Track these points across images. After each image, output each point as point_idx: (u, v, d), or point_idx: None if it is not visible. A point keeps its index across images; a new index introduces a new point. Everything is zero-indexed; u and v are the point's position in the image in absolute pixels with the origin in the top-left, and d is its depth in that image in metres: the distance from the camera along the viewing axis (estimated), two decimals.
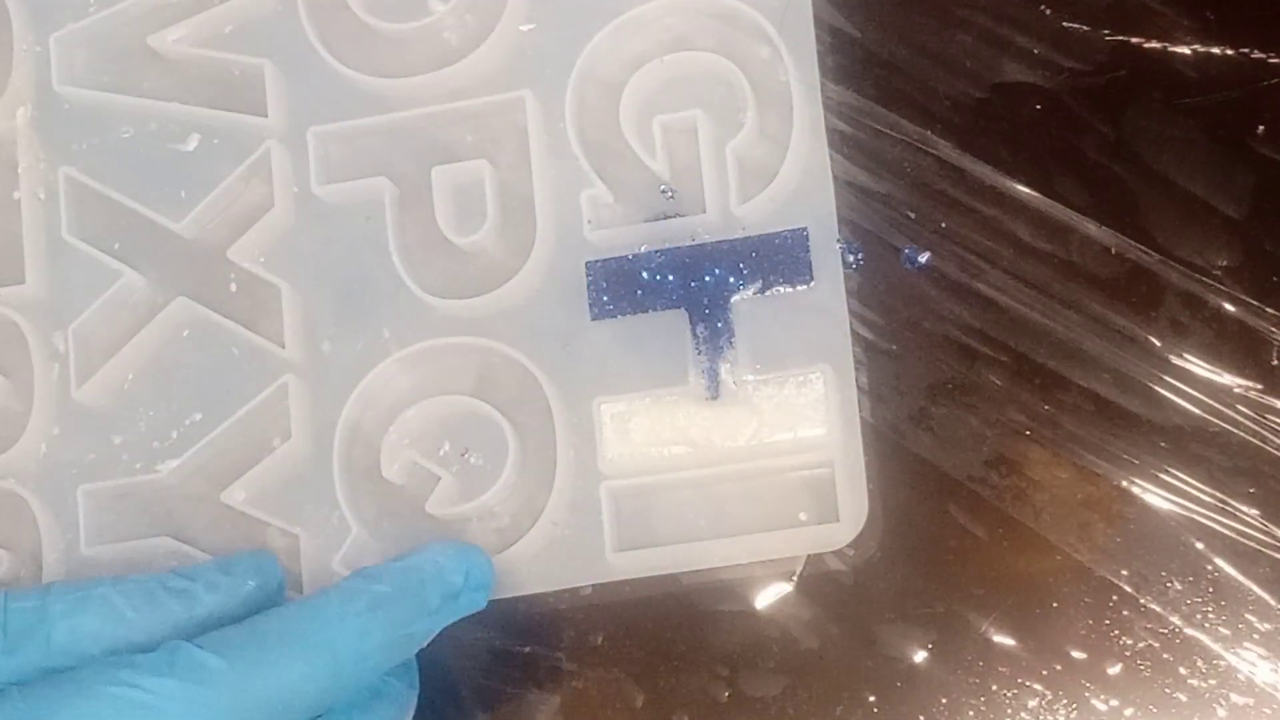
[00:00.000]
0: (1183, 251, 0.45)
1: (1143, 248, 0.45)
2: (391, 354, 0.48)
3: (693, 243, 0.47)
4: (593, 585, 0.46)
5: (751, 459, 0.46)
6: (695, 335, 0.46)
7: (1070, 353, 0.45)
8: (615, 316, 0.47)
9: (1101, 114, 0.46)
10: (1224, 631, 0.44)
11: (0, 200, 0.51)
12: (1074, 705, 0.44)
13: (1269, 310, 0.45)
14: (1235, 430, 0.44)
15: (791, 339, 0.46)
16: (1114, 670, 0.44)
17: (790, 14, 0.47)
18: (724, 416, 0.46)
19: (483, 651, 0.47)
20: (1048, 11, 0.47)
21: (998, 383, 0.46)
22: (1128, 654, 0.44)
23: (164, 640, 0.40)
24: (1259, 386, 0.44)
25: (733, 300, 0.46)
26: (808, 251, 0.46)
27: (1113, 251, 0.46)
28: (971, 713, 0.45)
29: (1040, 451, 0.45)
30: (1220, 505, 0.44)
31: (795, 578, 0.46)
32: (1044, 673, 0.44)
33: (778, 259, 0.46)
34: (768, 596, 0.46)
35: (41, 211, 0.50)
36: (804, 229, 0.46)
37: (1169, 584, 0.44)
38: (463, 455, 0.47)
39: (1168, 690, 0.44)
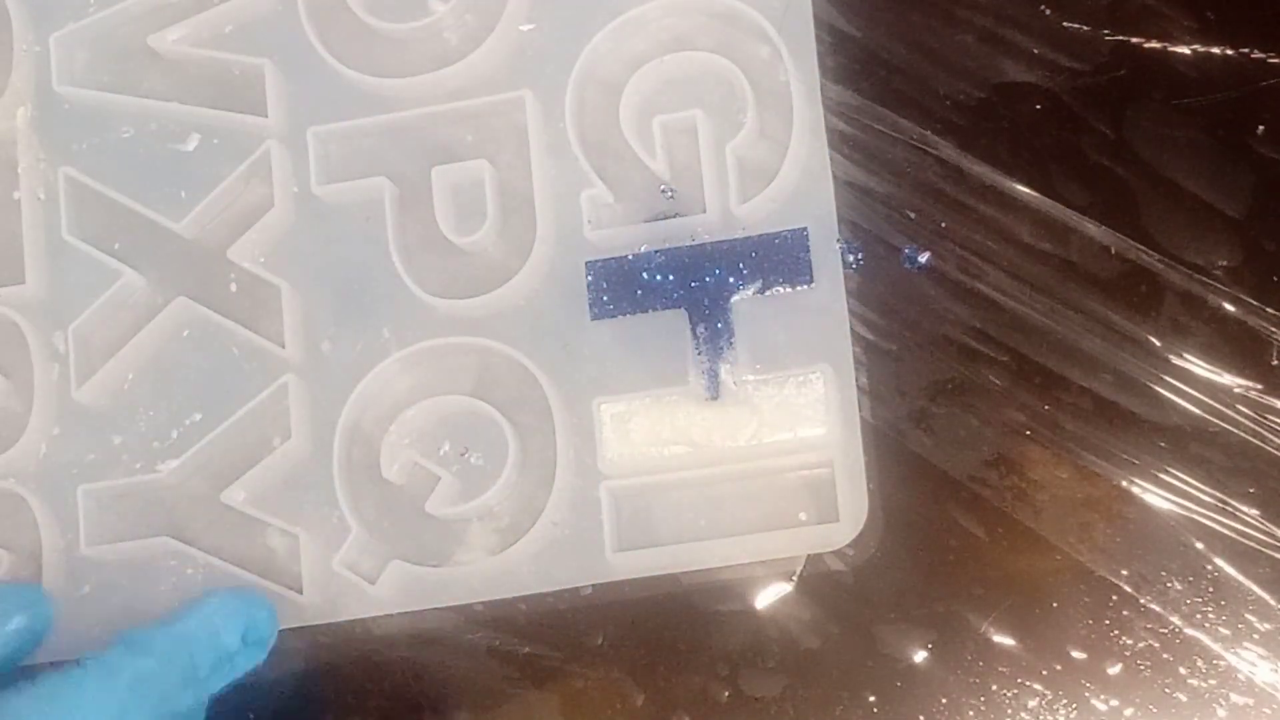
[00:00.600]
0: (1183, 251, 0.45)
1: (1143, 248, 0.45)
2: (391, 354, 0.48)
3: (693, 243, 0.47)
4: (593, 585, 0.46)
5: (751, 459, 0.46)
6: (695, 335, 0.46)
7: (1070, 353, 0.45)
8: (615, 316, 0.47)
9: (1101, 114, 0.46)
10: (1224, 631, 0.44)
11: (0, 200, 0.51)
12: (1074, 705, 0.44)
13: (1269, 310, 0.45)
14: (1235, 430, 0.44)
15: (791, 339, 0.46)
16: (1114, 670, 0.44)
17: (790, 14, 0.47)
18: (724, 416, 0.46)
19: (483, 651, 0.47)
20: (1048, 11, 0.47)
21: (998, 383, 0.46)
22: (1128, 654, 0.44)
23: None
24: (1259, 386, 0.44)
25: (733, 300, 0.46)
26: (808, 251, 0.46)
27: (1113, 251, 0.46)
28: (971, 713, 0.45)
29: (1040, 451, 0.45)
30: (1220, 505, 0.44)
31: (795, 578, 0.46)
32: (1044, 673, 0.44)
33: (778, 259, 0.46)
34: (768, 596, 0.46)
35: (41, 211, 0.50)
36: (804, 229, 0.46)
37: (1169, 584, 0.44)
38: (463, 455, 0.47)
39: (1168, 690, 0.44)
